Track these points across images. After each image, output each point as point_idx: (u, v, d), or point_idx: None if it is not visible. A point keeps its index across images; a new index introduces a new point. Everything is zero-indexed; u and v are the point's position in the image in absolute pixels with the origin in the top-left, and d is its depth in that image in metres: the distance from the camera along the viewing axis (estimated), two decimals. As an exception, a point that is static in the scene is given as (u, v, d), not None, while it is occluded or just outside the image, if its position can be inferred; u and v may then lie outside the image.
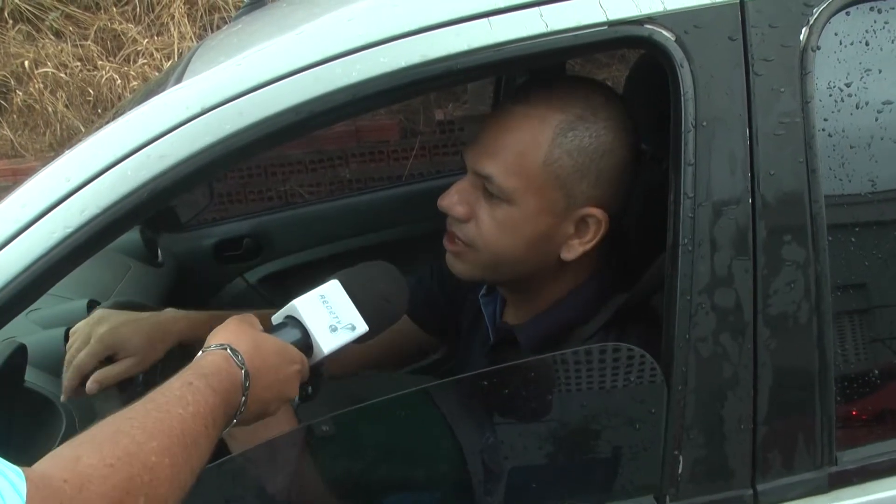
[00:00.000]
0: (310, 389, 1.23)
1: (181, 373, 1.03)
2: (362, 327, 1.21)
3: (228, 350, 1.07)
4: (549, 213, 1.32)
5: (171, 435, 0.93)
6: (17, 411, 1.63)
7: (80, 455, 0.87)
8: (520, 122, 1.31)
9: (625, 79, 1.84)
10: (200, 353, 1.09)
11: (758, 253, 1.16)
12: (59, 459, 0.87)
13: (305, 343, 1.18)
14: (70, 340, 1.46)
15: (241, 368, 1.06)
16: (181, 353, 1.70)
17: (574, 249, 1.34)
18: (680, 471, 1.19)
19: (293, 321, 1.19)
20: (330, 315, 1.19)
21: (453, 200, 1.36)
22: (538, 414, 1.28)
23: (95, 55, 5.43)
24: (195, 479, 0.96)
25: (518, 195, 1.30)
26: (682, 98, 1.14)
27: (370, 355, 1.65)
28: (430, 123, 4.74)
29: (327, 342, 1.19)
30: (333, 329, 1.19)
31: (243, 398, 1.06)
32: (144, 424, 0.92)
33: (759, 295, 1.16)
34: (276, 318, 1.21)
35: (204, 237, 2.76)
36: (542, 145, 1.29)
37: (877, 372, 1.27)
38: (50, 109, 5.34)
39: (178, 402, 0.97)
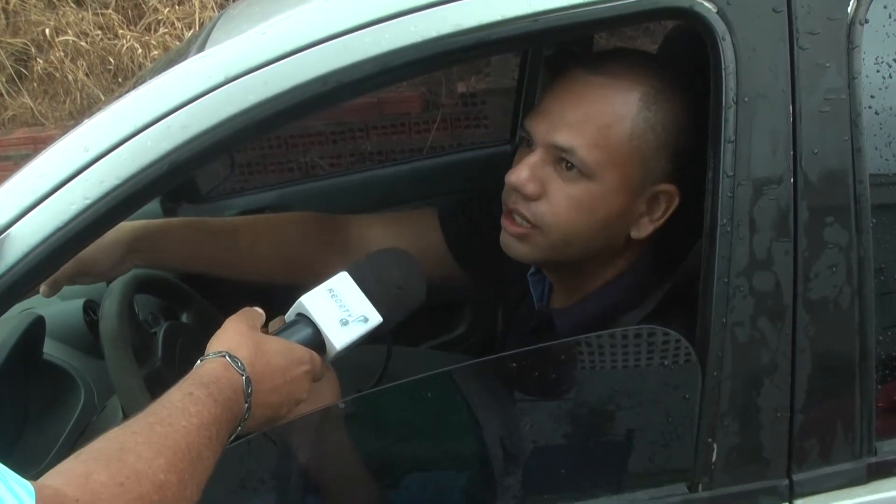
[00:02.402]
0: None
1: (181, 382, 1.00)
2: (375, 318, 1.18)
3: (227, 357, 1.04)
4: (627, 189, 1.26)
5: (177, 450, 0.90)
6: (36, 383, 1.62)
7: (90, 472, 0.85)
8: (603, 93, 1.25)
9: (656, 52, 1.79)
10: (199, 361, 1.06)
11: (799, 235, 1.12)
12: (70, 475, 0.85)
13: (318, 340, 1.15)
14: None
15: (242, 374, 1.03)
16: (200, 326, 1.69)
17: (644, 227, 1.30)
18: (714, 459, 1.16)
19: (303, 318, 1.16)
20: (340, 308, 1.16)
21: (524, 176, 1.27)
22: (567, 398, 1.25)
23: (116, 24, 5.40)
24: (200, 494, 0.93)
25: (600, 170, 1.24)
26: (724, 72, 1.10)
27: None
28: (453, 96, 4.71)
29: (339, 337, 1.15)
30: (345, 323, 1.16)
31: (246, 405, 1.03)
32: (150, 440, 0.90)
33: (800, 278, 1.13)
34: (288, 315, 1.18)
35: (224, 208, 2.73)
36: (628, 118, 1.24)
37: (919, 360, 1.24)
38: (70, 78, 5.33)
39: (180, 414, 0.94)
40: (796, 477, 1.18)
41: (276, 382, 1.07)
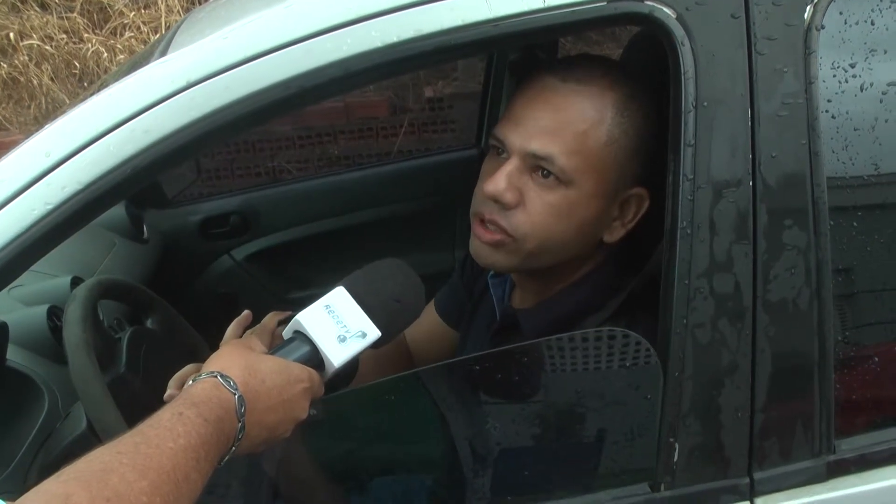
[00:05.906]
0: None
1: (172, 403, 0.97)
2: (374, 333, 1.15)
3: (218, 376, 1.01)
4: (603, 195, 1.27)
5: (162, 472, 0.87)
6: (-2, 390, 1.61)
7: (70, 493, 0.82)
8: (577, 99, 1.25)
9: (619, 57, 1.80)
10: (191, 381, 1.03)
11: (758, 237, 1.13)
12: (49, 496, 0.82)
13: (315, 357, 1.12)
14: None
15: (234, 394, 1.00)
16: (165, 332, 1.68)
17: (617, 231, 1.31)
18: (675, 458, 1.17)
19: (301, 336, 1.13)
20: (337, 325, 1.13)
21: (502, 186, 1.25)
22: (532, 400, 1.25)
23: (81, 28, 5.36)
24: None
25: (578, 176, 1.24)
26: (683, 77, 1.11)
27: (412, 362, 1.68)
28: (420, 100, 4.71)
29: (337, 354, 1.12)
30: (342, 339, 1.13)
31: (240, 424, 1.00)
32: (134, 461, 0.87)
33: (759, 280, 1.14)
34: (286, 333, 1.16)
35: (190, 213, 2.73)
36: (604, 124, 1.25)
37: (877, 359, 1.25)
38: (35, 82, 5.28)
39: (168, 434, 0.91)
40: (757, 475, 1.19)
41: (272, 402, 1.04)
